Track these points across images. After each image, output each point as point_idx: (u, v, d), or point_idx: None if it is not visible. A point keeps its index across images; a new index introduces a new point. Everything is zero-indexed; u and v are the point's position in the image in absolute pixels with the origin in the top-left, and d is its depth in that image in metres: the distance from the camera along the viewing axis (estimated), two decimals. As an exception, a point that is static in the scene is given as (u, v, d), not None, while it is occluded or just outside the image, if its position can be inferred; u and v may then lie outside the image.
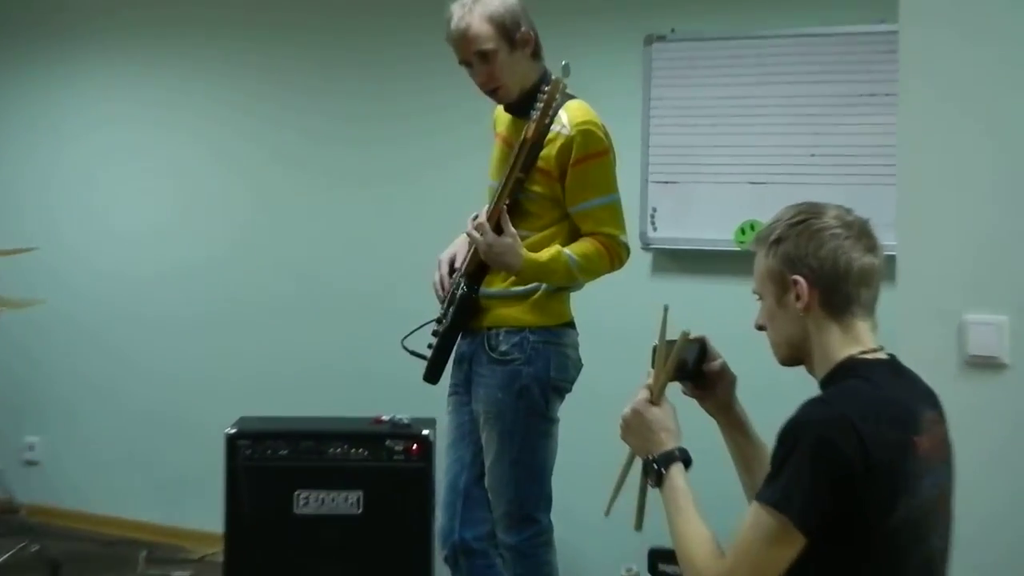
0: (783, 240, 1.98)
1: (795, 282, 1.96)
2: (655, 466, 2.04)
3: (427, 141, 4.79)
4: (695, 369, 2.21)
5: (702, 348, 2.21)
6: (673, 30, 4.34)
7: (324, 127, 5.01)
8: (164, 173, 5.29)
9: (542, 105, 2.91)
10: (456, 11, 3.04)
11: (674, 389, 2.18)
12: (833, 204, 2.02)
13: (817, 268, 1.94)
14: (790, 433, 1.83)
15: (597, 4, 4.50)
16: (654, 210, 4.36)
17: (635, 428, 2.11)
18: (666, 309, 2.13)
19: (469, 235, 3.03)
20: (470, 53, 3.04)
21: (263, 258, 5.11)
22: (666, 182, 4.35)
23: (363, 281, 4.94)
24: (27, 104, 5.55)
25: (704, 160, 4.30)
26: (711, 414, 2.25)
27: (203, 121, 5.23)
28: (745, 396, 2.24)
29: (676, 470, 2.03)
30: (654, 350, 2.15)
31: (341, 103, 4.98)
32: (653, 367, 2.15)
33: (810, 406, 1.86)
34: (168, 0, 5.24)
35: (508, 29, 3.02)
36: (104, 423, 5.37)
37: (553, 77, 2.97)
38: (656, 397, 2.11)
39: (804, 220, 1.98)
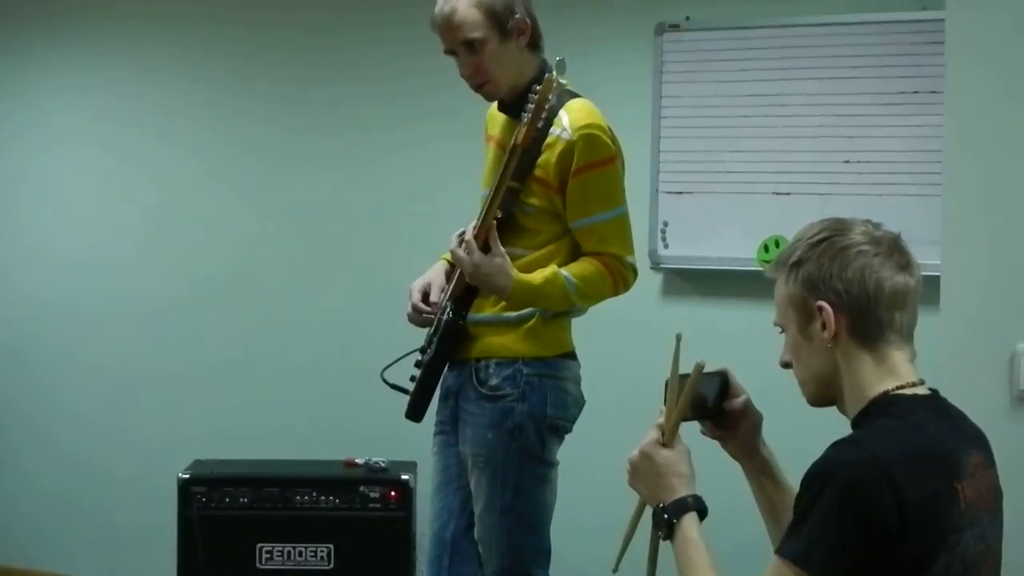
0: (804, 262, 2.00)
1: (820, 308, 1.97)
2: (665, 516, 2.05)
3: (426, 149, 4.80)
4: (715, 407, 2.22)
5: (723, 383, 2.23)
6: (688, 18, 4.37)
7: (296, 140, 5.03)
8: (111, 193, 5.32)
9: (533, 107, 2.90)
10: None
11: (691, 428, 2.19)
12: (860, 219, 2.04)
13: (843, 291, 1.96)
14: (815, 478, 1.84)
15: (600, -12, 4.53)
16: (665, 224, 4.38)
17: (644, 473, 2.12)
18: (678, 338, 2.12)
19: (453, 253, 3.04)
20: (456, 42, 3.04)
21: (221, 282, 5.12)
22: (679, 192, 4.38)
23: (336, 306, 4.93)
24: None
25: (722, 167, 4.32)
26: (734, 457, 2.27)
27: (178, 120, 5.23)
28: (773, 437, 2.26)
29: (689, 521, 2.03)
30: (667, 384, 2.16)
31: (322, 113, 5.00)
32: (666, 404, 2.16)
33: (838, 448, 1.87)
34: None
35: (499, 15, 3.02)
36: (35, 466, 5.35)
37: (547, 75, 2.96)
38: (668, 438, 2.12)
39: (827, 238, 1.99)
